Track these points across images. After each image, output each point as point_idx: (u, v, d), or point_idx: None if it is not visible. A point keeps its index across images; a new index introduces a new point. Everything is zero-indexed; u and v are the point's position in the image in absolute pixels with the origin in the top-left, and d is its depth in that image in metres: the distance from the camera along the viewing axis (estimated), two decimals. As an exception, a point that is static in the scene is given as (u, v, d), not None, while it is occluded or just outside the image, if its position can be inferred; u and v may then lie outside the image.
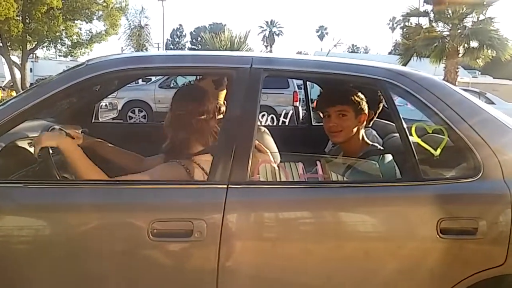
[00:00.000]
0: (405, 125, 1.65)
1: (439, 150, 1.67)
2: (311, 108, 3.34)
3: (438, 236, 1.54)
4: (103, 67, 1.64)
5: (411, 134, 1.68)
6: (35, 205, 1.52)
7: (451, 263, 1.58)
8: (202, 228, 1.48)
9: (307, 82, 3.47)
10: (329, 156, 2.06)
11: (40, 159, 1.84)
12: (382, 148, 1.95)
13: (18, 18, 14.72)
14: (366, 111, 1.97)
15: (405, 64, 13.67)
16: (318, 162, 1.75)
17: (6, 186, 1.54)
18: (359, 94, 1.96)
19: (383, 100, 2.06)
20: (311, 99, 3.46)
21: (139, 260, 1.52)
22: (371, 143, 1.98)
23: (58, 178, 1.65)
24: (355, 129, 1.95)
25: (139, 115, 11.71)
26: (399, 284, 1.60)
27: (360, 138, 1.98)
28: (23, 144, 1.92)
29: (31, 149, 1.96)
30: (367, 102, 2.00)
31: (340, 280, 1.59)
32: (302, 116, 10.16)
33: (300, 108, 10.71)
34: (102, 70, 1.62)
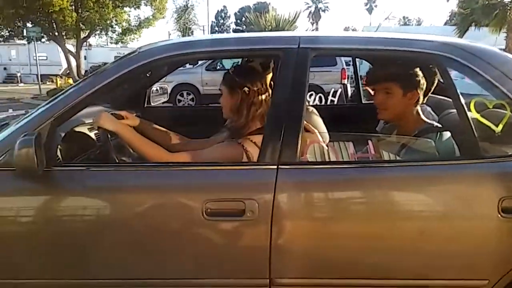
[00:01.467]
0: (463, 101, 1.58)
1: (500, 126, 1.58)
2: (360, 86, 3.26)
3: (499, 215, 1.47)
4: (154, 54, 1.68)
5: (469, 110, 1.60)
6: (96, 187, 1.61)
7: (512, 243, 1.52)
8: (254, 207, 1.51)
9: (356, 59, 3.37)
10: (381, 134, 2.01)
11: (100, 143, 1.95)
12: (439, 125, 1.86)
13: (71, 8, 15.37)
14: (419, 88, 1.87)
15: (462, 35, 12.91)
16: (369, 141, 1.72)
17: (71, 169, 1.64)
18: (410, 70, 1.87)
19: (438, 75, 1.95)
20: (361, 76, 3.37)
21: (195, 239, 1.59)
22: (427, 120, 1.89)
23: (117, 161, 1.75)
24: (404, 107, 1.87)
25: (187, 98, 11.97)
26: (457, 265, 1.56)
27: (415, 115, 1.90)
28: (83, 129, 2.04)
29: (91, 134, 2.08)
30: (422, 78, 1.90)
31: (393, 260, 1.57)
32: (351, 94, 9.92)
33: (348, 85, 10.46)
34: (154, 56, 1.67)
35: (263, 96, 1.81)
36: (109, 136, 1.78)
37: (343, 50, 1.83)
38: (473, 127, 1.54)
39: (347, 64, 11.10)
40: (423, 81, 1.85)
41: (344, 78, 10.47)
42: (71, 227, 1.62)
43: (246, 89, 1.79)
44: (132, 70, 1.65)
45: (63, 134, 1.76)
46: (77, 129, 1.96)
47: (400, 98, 1.85)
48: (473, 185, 1.56)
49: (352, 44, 1.76)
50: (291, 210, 1.55)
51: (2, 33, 17.01)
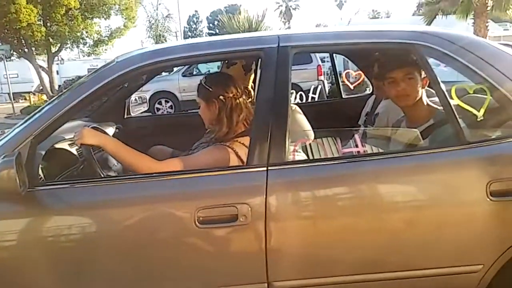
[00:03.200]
0: (444, 88, 1.59)
1: (482, 111, 1.60)
2: (340, 81, 3.28)
3: (488, 199, 1.49)
4: (133, 62, 1.65)
5: (451, 97, 1.62)
6: (83, 204, 1.57)
7: (503, 225, 1.54)
8: (247, 212, 1.49)
9: (334, 55, 3.39)
10: (369, 129, 2.02)
11: (83, 158, 1.90)
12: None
13: (39, 22, 15.02)
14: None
15: (429, 24, 13.16)
16: (356, 136, 1.72)
17: (54, 188, 1.59)
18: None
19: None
20: (339, 72, 3.41)
21: (189, 249, 1.56)
22: (438, 107, 1.86)
23: (102, 176, 1.70)
24: (420, 93, 1.87)
25: (166, 106, 11.84)
26: (450, 253, 1.57)
27: (425, 103, 1.90)
28: (64, 145, 1.98)
29: (72, 150, 2.03)
30: None
31: (388, 253, 1.57)
32: (328, 90, 10.00)
33: (325, 82, 10.53)
34: (132, 65, 1.63)
35: (241, 100, 1.78)
36: (91, 150, 1.73)
37: (324, 46, 1.83)
38: (456, 113, 1.56)
39: (322, 60, 11.18)
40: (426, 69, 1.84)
41: (321, 75, 10.53)
42: (60, 248, 1.57)
43: (221, 97, 1.76)
44: (110, 81, 1.61)
45: (43, 152, 1.71)
46: (57, 145, 1.90)
47: (419, 83, 1.86)
48: (460, 172, 1.57)
49: (332, 40, 1.76)
50: (284, 210, 1.53)
51: (-31, 53, 16.53)
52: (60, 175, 1.80)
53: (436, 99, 1.70)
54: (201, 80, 1.85)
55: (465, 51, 1.58)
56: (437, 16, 13.59)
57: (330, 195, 1.58)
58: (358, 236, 1.56)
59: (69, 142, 2.02)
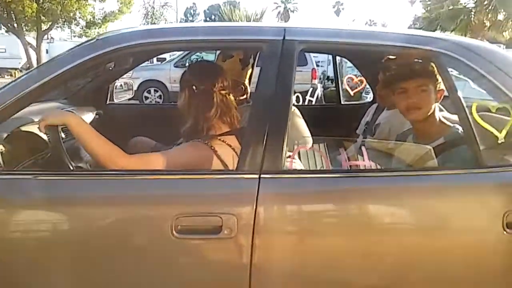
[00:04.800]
0: (464, 104, 1.43)
1: (504, 132, 1.44)
2: (340, 86, 3.11)
3: (504, 231, 1.33)
4: (116, 42, 1.43)
5: (471, 114, 1.45)
6: (46, 198, 1.36)
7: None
8: (232, 224, 1.30)
9: (336, 58, 3.22)
10: (375, 140, 1.84)
11: (50, 145, 1.68)
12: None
13: (31, -2, 14.60)
14: (442, 87, 1.68)
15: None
16: (363, 148, 1.53)
17: (14, 178, 1.38)
18: (431, 66, 1.68)
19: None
20: (328, 77, 3.25)
21: (163, 260, 1.36)
22: (451, 124, 1.71)
23: (71, 168, 1.49)
24: (433, 107, 1.70)
25: (154, 95, 11.57)
26: (458, 282, 1.41)
27: (437, 119, 1.73)
28: (32, 129, 1.76)
29: (42, 135, 1.80)
30: None
31: (388, 278, 1.40)
32: (320, 95, 9.84)
33: (319, 86, 10.39)
34: (115, 45, 1.42)
35: (217, 95, 1.56)
36: (60, 136, 1.50)
37: (335, 44, 1.62)
38: (475, 132, 1.40)
39: (317, 64, 11.06)
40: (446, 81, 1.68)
41: (315, 78, 10.39)
42: (16, 247, 1.36)
43: (193, 87, 1.56)
44: (90, 59, 1.40)
45: (5, 135, 1.49)
46: (24, 128, 1.68)
47: (433, 96, 1.69)
48: (475, 198, 1.41)
49: (346, 38, 1.54)
50: (275, 225, 1.35)
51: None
52: (21, 163, 1.57)
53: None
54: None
55: (493, 67, 1.41)
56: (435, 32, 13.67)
57: (329, 211, 1.40)
58: (354, 259, 1.38)
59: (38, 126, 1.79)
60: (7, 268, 1.35)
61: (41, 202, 1.35)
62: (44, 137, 1.80)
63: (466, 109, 1.43)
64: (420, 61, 1.68)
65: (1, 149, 1.46)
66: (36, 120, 1.74)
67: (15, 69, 19.60)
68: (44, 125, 1.42)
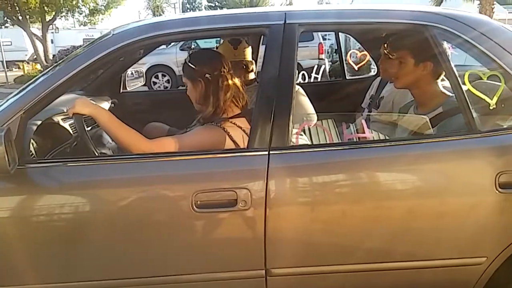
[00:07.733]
0: (456, 73, 1.52)
1: (495, 99, 1.53)
2: (344, 61, 3.19)
3: (496, 190, 1.44)
4: (130, 36, 1.55)
5: (463, 83, 1.55)
6: (75, 183, 1.50)
7: (510, 218, 1.50)
8: (246, 197, 1.44)
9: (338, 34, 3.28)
10: (375, 114, 1.95)
11: (76, 134, 1.82)
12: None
13: (34, -11, 14.61)
14: (434, 60, 1.76)
15: (438, 4, 12.95)
16: (362, 121, 1.64)
17: (46, 166, 1.52)
18: (421, 41, 1.77)
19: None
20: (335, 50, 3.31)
21: (185, 233, 1.50)
22: (448, 93, 1.81)
23: (96, 154, 1.63)
24: (418, 77, 1.82)
25: (162, 80, 11.67)
26: (454, 244, 1.53)
27: (437, 88, 1.84)
28: (57, 120, 1.90)
29: (65, 125, 1.94)
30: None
31: (391, 243, 1.53)
32: (329, 69, 9.84)
33: (326, 61, 10.36)
34: (130, 38, 1.54)
35: (229, 77, 1.69)
36: (84, 126, 1.65)
37: (333, 25, 1.73)
38: (468, 100, 1.50)
39: (323, 38, 10.99)
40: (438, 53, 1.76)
41: (322, 53, 10.36)
42: (50, 228, 1.51)
43: (207, 75, 1.67)
44: (106, 54, 1.52)
45: (35, 128, 1.63)
46: (49, 120, 1.82)
47: (412, 68, 1.82)
48: (469, 162, 1.52)
49: (342, 18, 1.64)
50: (285, 197, 1.48)
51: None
52: (51, 152, 1.72)
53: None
54: (185, 59, 1.75)
55: (485, 38, 1.50)
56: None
57: (333, 182, 1.52)
58: (360, 225, 1.51)
59: (62, 117, 1.93)
60: (47, 245, 1.51)
61: (72, 187, 1.50)
62: (67, 127, 1.94)
63: (459, 79, 1.52)
64: (414, 35, 1.77)
65: (33, 141, 1.60)
66: (59, 111, 1.88)
67: (22, 61, 19.72)
68: (72, 113, 1.57)
